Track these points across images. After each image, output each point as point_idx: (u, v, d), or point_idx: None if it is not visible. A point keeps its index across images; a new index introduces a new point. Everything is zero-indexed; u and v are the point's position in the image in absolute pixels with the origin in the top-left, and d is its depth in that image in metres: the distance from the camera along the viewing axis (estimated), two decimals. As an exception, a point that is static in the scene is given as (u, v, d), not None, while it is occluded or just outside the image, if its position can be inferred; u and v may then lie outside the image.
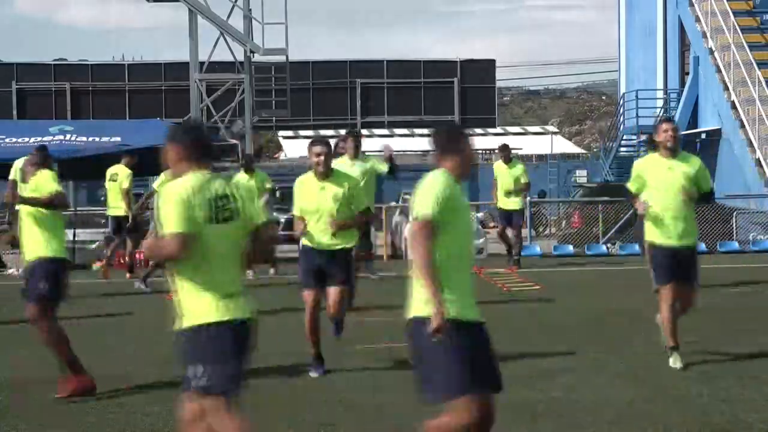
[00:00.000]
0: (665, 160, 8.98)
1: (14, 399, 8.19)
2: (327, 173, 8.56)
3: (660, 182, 8.90)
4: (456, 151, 5.38)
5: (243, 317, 5.25)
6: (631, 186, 9.17)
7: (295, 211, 8.71)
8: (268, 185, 16.68)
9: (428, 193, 5.23)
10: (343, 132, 44.36)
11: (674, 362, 8.73)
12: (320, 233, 8.57)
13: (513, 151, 18.41)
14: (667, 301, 8.75)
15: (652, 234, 8.96)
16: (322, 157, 8.50)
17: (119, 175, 17.12)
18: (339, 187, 8.57)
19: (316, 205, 8.55)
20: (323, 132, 42.07)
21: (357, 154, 12.86)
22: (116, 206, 17.11)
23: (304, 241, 8.70)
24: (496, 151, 19.07)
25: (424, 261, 5.18)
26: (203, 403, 5.21)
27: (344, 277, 8.62)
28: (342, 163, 11.88)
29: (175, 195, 5.13)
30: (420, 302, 5.26)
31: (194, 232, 5.08)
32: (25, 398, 8.19)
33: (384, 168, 13.24)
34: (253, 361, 9.42)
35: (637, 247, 18.76)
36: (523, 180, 17.25)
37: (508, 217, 17.42)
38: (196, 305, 5.19)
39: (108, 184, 17.37)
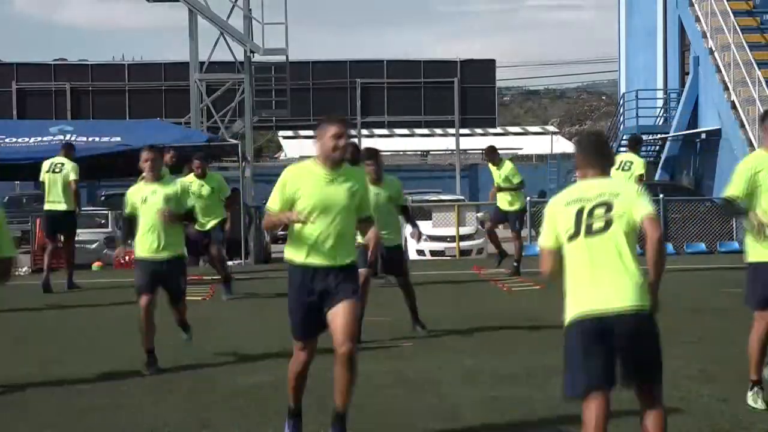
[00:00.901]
0: None
1: (14, 399, 8.19)
2: (341, 162, 6.47)
3: None
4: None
5: None
6: (735, 190, 7.36)
7: (274, 204, 6.44)
8: (225, 192, 14.57)
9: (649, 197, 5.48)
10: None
11: (753, 399, 7.44)
12: (324, 244, 6.36)
13: (514, 152, 18.26)
14: (761, 329, 7.52)
15: (755, 250, 7.39)
16: (342, 141, 6.35)
17: None
18: (353, 183, 6.47)
19: (323, 202, 6.36)
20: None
21: (381, 177, 10.55)
22: None
23: (294, 256, 6.46)
24: (482, 153, 18.62)
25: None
26: None
27: (354, 288, 6.47)
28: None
29: None
30: (646, 293, 5.30)
31: None
32: (25, 398, 8.19)
33: (401, 202, 11.07)
34: (253, 361, 9.44)
35: None
36: (515, 180, 16.40)
37: (503, 218, 16.68)
38: None
39: None
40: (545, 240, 5.50)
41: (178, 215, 9.17)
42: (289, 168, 6.55)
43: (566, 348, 5.40)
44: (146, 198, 9.17)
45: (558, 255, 5.44)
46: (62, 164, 15.86)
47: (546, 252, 5.51)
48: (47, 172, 15.81)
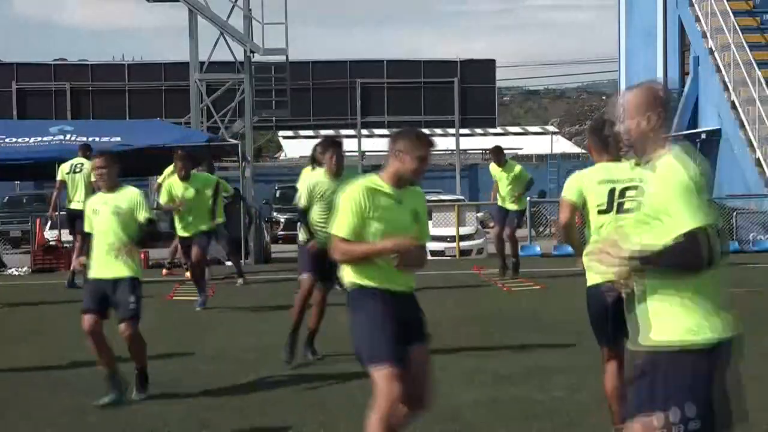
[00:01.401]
0: None
1: (14, 398, 8.19)
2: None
3: None
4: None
5: None
6: None
7: (346, 230, 5.53)
8: (225, 191, 13.90)
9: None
10: (342, 132, 43.92)
11: None
12: (393, 269, 5.58)
13: (513, 152, 18.18)
14: None
15: None
16: (426, 166, 5.65)
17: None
18: (416, 205, 5.74)
19: (395, 227, 5.56)
20: (323, 132, 42.08)
21: (341, 170, 9.48)
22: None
23: (366, 280, 5.63)
24: (488, 152, 18.63)
25: None
26: None
27: (425, 326, 5.80)
28: (322, 180, 9.45)
29: None
30: None
31: None
32: (26, 397, 8.19)
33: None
34: (254, 362, 9.43)
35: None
36: (527, 177, 16.34)
37: (505, 216, 16.34)
38: None
39: None
40: (569, 193, 6.00)
41: (139, 242, 8.03)
42: (354, 186, 5.60)
43: (587, 308, 6.01)
44: (97, 209, 8.13)
45: (577, 210, 6.00)
46: (82, 164, 16.07)
47: (567, 203, 6.01)
48: (68, 173, 16.01)
